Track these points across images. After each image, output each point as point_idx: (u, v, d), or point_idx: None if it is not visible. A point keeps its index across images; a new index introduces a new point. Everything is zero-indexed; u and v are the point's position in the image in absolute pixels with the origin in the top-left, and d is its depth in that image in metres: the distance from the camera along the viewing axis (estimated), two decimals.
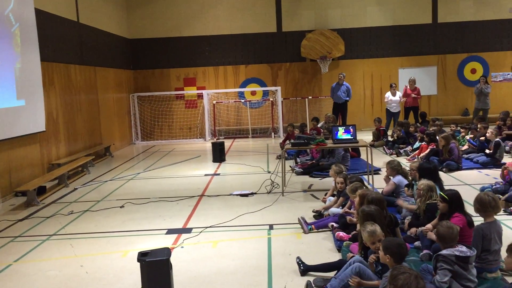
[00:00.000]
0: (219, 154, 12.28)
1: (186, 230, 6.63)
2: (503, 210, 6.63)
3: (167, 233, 6.56)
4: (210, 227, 6.72)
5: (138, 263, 4.24)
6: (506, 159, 10.15)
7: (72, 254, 5.92)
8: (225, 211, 7.49)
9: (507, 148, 11.05)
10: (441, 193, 5.12)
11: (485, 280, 4.46)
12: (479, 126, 11.38)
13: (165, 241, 6.16)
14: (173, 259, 4.63)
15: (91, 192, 9.41)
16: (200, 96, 17.79)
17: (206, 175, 10.63)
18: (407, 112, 15.45)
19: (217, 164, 11.97)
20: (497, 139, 10.15)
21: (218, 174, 10.70)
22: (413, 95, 15.09)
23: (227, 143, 15.54)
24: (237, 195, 8.51)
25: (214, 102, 17.75)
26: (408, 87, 15.29)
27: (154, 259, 4.16)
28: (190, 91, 17.92)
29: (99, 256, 5.78)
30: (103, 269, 5.36)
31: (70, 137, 12.06)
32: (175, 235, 6.43)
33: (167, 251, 4.35)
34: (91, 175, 11.17)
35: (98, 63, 14.37)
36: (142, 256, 4.22)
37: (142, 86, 17.97)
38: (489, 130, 10.56)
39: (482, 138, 10.80)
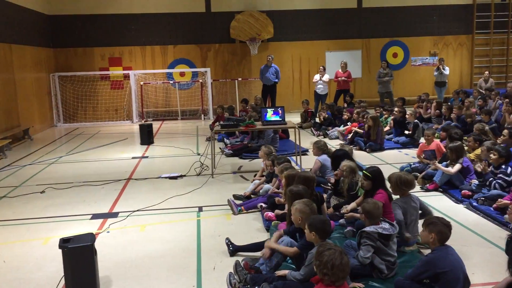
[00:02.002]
0: (147, 137, 12.00)
1: (112, 215, 6.44)
2: (420, 187, 7.03)
3: (91, 218, 6.33)
4: (137, 210, 6.57)
5: (60, 250, 4.05)
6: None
7: None
8: (154, 194, 7.35)
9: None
10: (364, 171, 5.33)
11: (403, 253, 4.72)
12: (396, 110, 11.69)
13: (89, 227, 5.95)
14: (98, 245, 4.48)
15: (9, 178, 8.85)
16: (126, 76, 17.20)
17: (133, 158, 10.35)
18: (338, 94, 15.86)
19: (145, 146, 11.69)
20: (416, 121, 10.71)
21: (146, 157, 10.46)
22: (344, 78, 15.52)
23: (156, 125, 15.21)
24: (166, 177, 8.37)
25: (142, 83, 17.24)
26: (340, 70, 15.70)
27: (76, 245, 3.99)
28: (116, 72, 17.28)
29: (17, 244, 5.47)
30: (22, 257, 5.09)
31: None
32: (100, 220, 6.22)
33: (91, 237, 4.20)
34: (8, 160, 10.49)
35: (14, 40, 13.42)
36: (64, 243, 4.04)
37: (64, 66, 17.05)
38: (408, 112, 11.11)
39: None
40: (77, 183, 8.18)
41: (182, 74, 17.81)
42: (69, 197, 7.38)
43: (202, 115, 17.24)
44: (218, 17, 17.60)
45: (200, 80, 17.43)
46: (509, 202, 5.55)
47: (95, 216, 6.40)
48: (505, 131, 7.43)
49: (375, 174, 5.23)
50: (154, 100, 17.75)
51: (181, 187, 7.71)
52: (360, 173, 6.12)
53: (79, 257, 4.00)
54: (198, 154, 10.26)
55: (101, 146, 12.00)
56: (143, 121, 16.50)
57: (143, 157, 10.46)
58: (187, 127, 15.42)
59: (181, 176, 8.44)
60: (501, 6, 18.65)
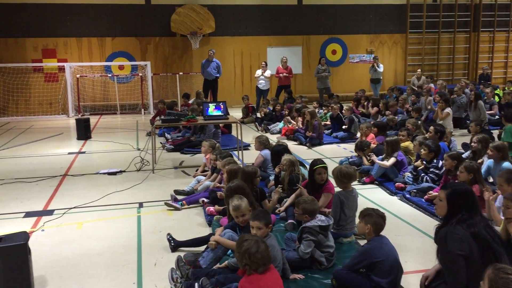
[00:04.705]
0: (84, 131, 11.60)
1: (47, 212, 6.19)
2: (358, 181, 7.28)
3: (25, 216, 6.06)
4: (74, 208, 6.36)
5: None
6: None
7: None
8: (91, 191, 7.14)
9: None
10: (322, 165, 5.43)
11: (341, 244, 4.88)
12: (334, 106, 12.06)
13: (22, 225, 5.69)
14: (32, 244, 4.31)
15: None
16: (61, 69, 16.51)
17: (69, 153, 9.99)
18: (279, 90, 16.05)
19: (82, 142, 11.30)
20: (351, 116, 11.05)
21: (84, 152, 10.12)
22: (285, 74, 15.73)
23: (93, 119, 14.72)
24: (104, 173, 8.15)
25: (78, 76, 16.61)
26: (281, 66, 15.89)
27: (9, 245, 3.81)
28: (50, 64, 16.54)
29: None
30: None
31: None
32: (34, 218, 5.97)
33: (24, 235, 4.03)
34: None
35: None
36: None
37: None
38: (345, 108, 11.45)
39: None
40: (9, 180, 7.79)
41: (121, 67, 17.35)
42: (0, 195, 7.02)
43: (142, 109, 16.88)
44: (158, 10, 17.28)
45: (140, 74, 17.05)
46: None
47: (28, 214, 6.14)
48: (431, 128, 7.80)
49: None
50: (92, 93, 17.18)
51: (120, 183, 7.53)
52: (302, 168, 6.28)
53: (12, 256, 3.82)
54: (138, 149, 10.06)
55: (35, 141, 11.48)
56: (79, 115, 15.92)
57: (80, 152, 10.12)
58: (126, 121, 15.06)
59: (121, 171, 8.25)
60: (433, 7, 19.59)
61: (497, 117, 11.98)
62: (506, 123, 8.51)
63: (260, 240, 3.44)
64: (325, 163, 5.47)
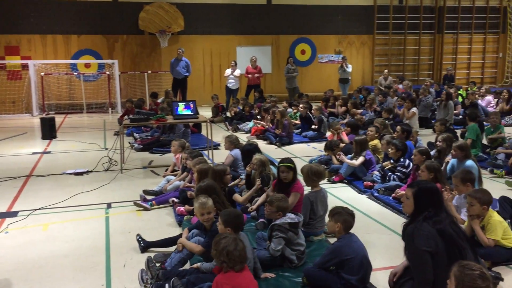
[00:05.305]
0: (49, 131, 11.32)
1: (11, 214, 6.01)
2: (327, 179, 7.35)
3: None
4: (39, 209, 6.19)
5: None
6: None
7: None
8: (57, 192, 6.97)
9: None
10: (286, 163, 5.32)
11: (312, 243, 4.92)
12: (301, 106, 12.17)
13: None
14: None
15: None
16: (25, 66, 16.05)
17: (34, 153, 9.73)
18: (249, 89, 16.05)
19: (47, 141, 11.03)
20: (320, 115, 11.16)
21: (49, 152, 9.88)
22: (256, 74, 15.74)
23: (59, 118, 14.39)
24: (70, 174, 7.97)
25: (42, 74, 16.18)
26: (250, 65, 15.90)
27: None
28: (13, 61, 16.05)
29: None
30: None
31: None
32: None
33: None
34: None
35: None
36: None
37: None
38: (314, 107, 11.55)
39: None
40: None
41: (87, 65, 17.00)
42: None
43: (110, 108, 16.60)
44: (126, 7, 17.03)
45: (107, 72, 16.75)
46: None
47: None
48: (398, 127, 7.94)
49: (295, 164, 5.32)
50: (57, 92, 16.77)
51: (87, 183, 7.38)
52: (272, 167, 6.29)
53: None
54: (106, 149, 9.88)
55: None
56: (44, 114, 15.52)
57: (44, 152, 9.87)
58: (93, 120, 14.77)
59: (88, 171, 8.09)
60: (399, 9, 19.99)
61: (460, 116, 12.32)
62: (469, 122, 8.79)
63: (238, 239, 3.44)
64: (290, 163, 5.30)
